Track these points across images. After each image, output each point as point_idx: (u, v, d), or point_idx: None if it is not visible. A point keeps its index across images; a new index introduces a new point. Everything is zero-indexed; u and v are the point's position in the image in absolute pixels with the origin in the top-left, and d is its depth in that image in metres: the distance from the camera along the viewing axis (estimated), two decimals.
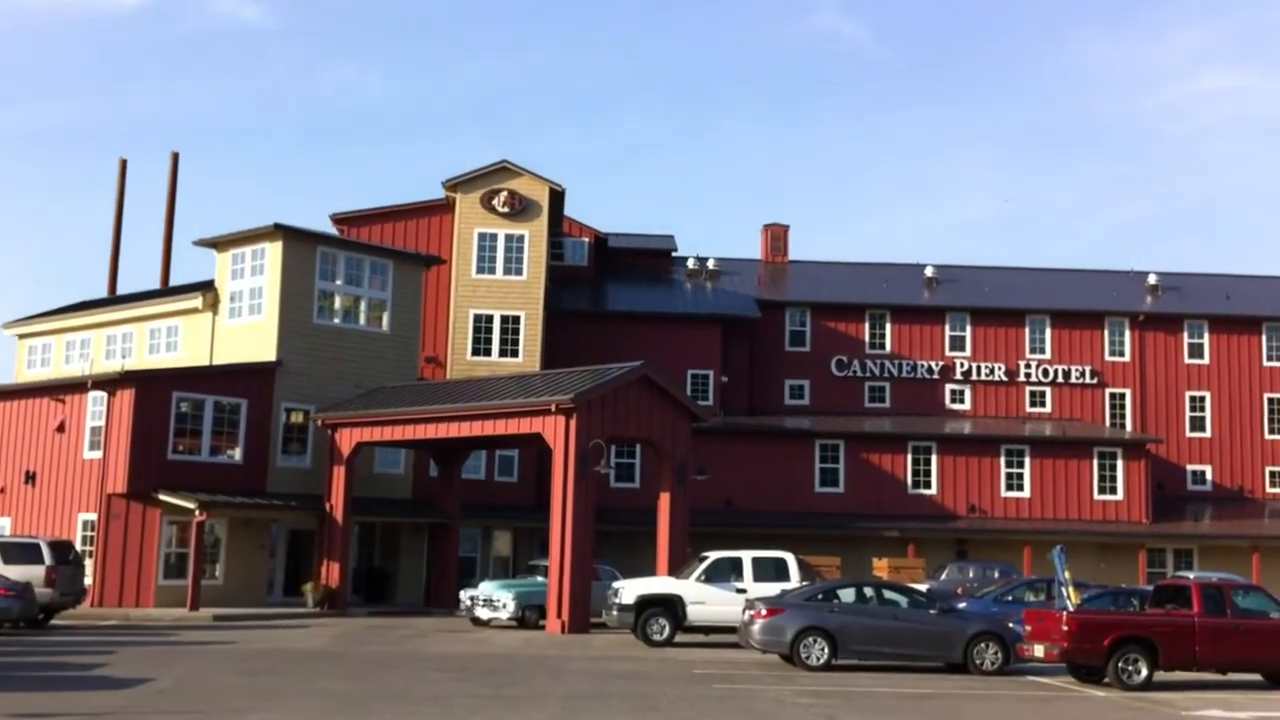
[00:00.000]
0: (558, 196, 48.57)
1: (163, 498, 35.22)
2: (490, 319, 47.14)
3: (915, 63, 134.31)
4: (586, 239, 53.94)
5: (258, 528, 37.51)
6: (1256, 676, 23.35)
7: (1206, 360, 53.83)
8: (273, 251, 38.91)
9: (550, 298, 48.85)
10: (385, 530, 41.25)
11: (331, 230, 47.91)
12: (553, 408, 32.01)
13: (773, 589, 27.19)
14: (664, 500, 34.41)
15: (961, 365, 53.31)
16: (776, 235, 59.46)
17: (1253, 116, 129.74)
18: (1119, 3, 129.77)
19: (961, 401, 53.11)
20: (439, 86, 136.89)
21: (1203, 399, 53.58)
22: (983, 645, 23.83)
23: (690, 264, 55.93)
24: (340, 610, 36.22)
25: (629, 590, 28.72)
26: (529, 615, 32.61)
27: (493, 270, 47.40)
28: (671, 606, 28.35)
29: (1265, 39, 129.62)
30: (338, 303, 40.18)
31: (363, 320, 40.76)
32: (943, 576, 37.71)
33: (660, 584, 29.41)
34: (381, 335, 40.96)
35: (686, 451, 34.95)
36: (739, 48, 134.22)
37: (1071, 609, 23.20)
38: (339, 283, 40.06)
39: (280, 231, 38.70)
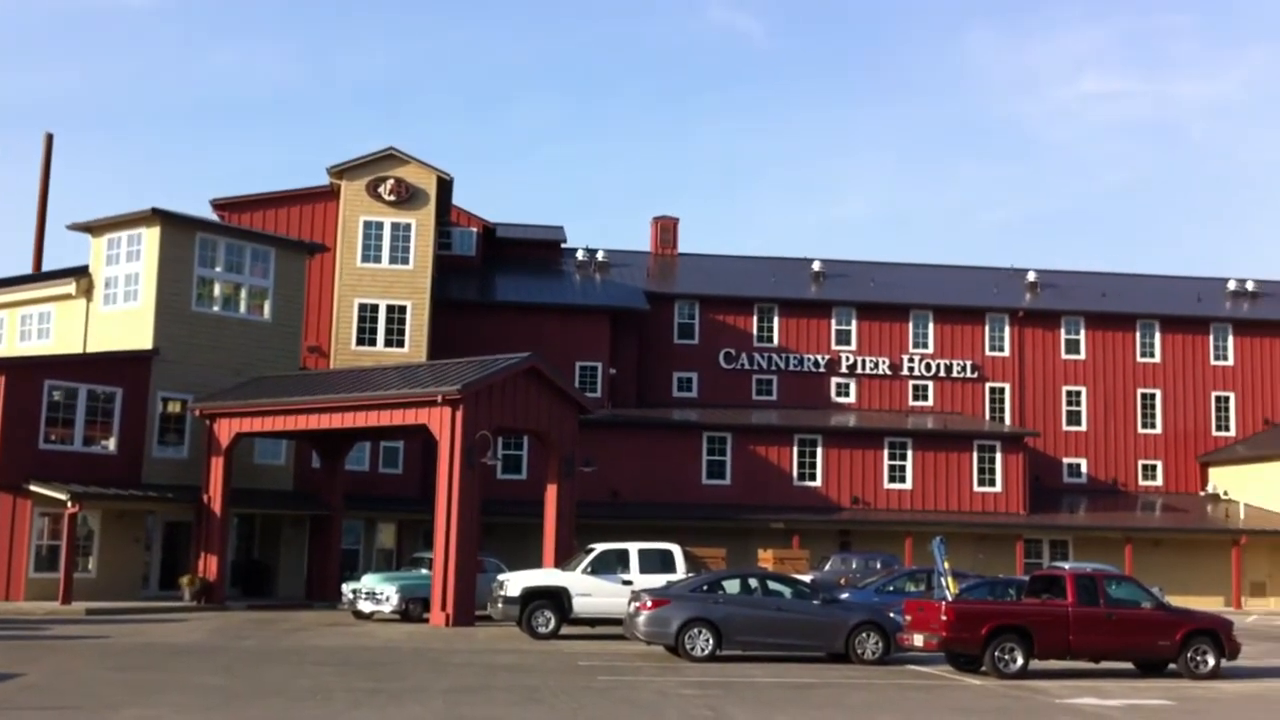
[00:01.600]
0: (445, 185, 48.07)
1: (33, 489, 34.21)
2: (375, 308, 46.52)
3: (806, 60, 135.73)
4: (475, 229, 53.48)
5: (132, 520, 36.62)
6: (1129, 665, 23.93)
7: (1083, 356, 55.12)
8: (150, 237, 37.98)
9: (437, 288, 48.34)
10: (265, 522, 40.52)
11: (212, 216, 46.92)
12: (439, 398, 31.70)
13: (658, 581, 27.23)
14: (551, 492, 34.31)
15: (847, 359, 53.90)
16: (666, 228, 59.58)
17: (1130, 119, 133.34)
18: (1005, 6, 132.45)
19: (847, 395, 53.73)
20: (325, 72, 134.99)
21: (1079, 394, 54.87)
22: (864, 635, 24.16)
23: (579, 255, 55.76)
24: (218, 604, 35.51)
25: (514, 582, 28.57)
26: (413, 608, 32.27)
27: (378, 259, 46.75)
28: (557, 599, 28.25)
29: (1143, 43, 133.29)
30: (217, 290, 39.32)
31: (243, 308, 39.95)
32: (826, 567, 38.10)
33: (546, 576, 29.29)
34: (263, 324, 40.18)
35: (574, 443, 34.86)
36: (631, 39, 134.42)
37: (950, 599, 23.61)
38: (219, 269, 39.22)
39: (158, 216, 37.80)
